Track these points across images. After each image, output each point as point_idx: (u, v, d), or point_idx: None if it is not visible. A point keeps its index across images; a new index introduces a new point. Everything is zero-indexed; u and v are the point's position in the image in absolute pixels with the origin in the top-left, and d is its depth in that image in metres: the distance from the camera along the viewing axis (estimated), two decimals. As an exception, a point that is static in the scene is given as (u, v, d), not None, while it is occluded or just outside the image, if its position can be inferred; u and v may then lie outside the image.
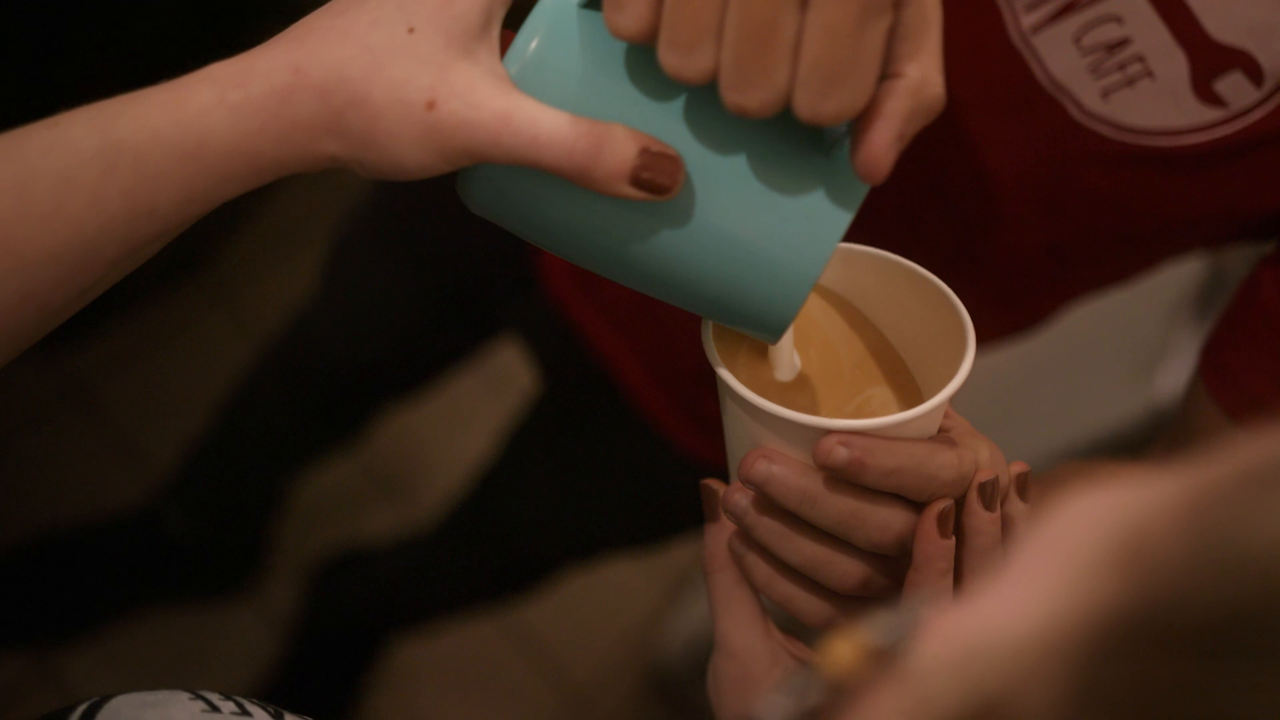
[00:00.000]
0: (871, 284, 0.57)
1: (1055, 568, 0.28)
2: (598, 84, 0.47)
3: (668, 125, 0.47)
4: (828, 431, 0.49)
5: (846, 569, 0.52)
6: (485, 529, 1.31)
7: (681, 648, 1.72)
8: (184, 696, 0.51)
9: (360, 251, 1.19)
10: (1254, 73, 0.64)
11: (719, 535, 0.55)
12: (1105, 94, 0.67)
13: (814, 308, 0.58)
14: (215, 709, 0.51)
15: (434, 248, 1.11)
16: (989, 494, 0.51)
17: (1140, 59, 0.66)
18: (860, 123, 0.46)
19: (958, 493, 0.51)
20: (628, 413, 1.04)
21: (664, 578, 1.83)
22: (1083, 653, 0.26)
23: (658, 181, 0.46)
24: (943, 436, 0.52)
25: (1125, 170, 0.70)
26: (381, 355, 1.25)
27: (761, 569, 0.53)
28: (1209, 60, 0.64)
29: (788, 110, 0.45)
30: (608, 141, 0.46)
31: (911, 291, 0.56)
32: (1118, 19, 0.65)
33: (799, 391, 0.56)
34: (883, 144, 0.46)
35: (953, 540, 0.51)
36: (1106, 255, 0.78)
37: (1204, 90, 0.65)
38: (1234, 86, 0.65)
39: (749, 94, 0.44)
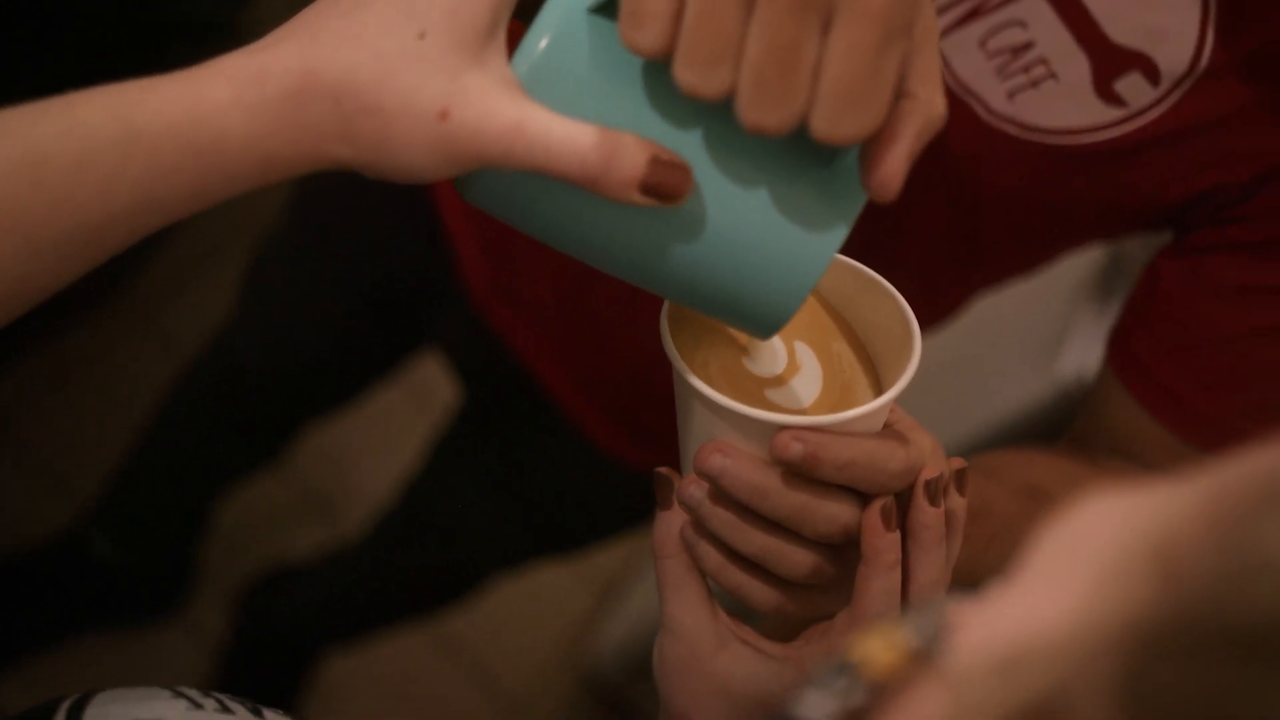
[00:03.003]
0: (823, 282, 0.59)
1: (1081, 572, 0.29)
2: (606, 91, 0.48)
3: (677, 135, 0.48)
4: (782, 427, 0.51)
5: (796, 559, 0.54)
6: (414, 541, 1.31)
7: (615, 651, 1.73)
8: (165, 694, 0.51)
9: (278, 268, 1.19)
10: (1151, 73, 0.67)
11: (670, 522, 0.56)
12: (1011, 95, 0.70)
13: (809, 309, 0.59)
14: (199, 706, 0.51)
15: (352, 262, 1.11)
16: (934, 490, 0.54)
17: (1044, 61, 0.69)
18: (875, 143, 0.47)
19: (904, 485, 0.54)
20: (553, 418, 1.05)
21: (594, 582, 1.84)
22: (1124, 657, 0.27)
23: (667, 190, 0.47)
24: (891, 431, 0.54)
25: (1032, 167, 0.73)
26: (303, 371, 1.24)
27: (713, 557, 0.55)
28: (1109, 62, 0.68)
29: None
30: (619, 151, 0.46)
31: (859, 291, 0.58)
32: (1022, 23, 0.68)
33: (769, 385, 0.57)
34: (898, 164, 0.46)
35: (898, 533, 0.53)
36: (1014, 247, 0.81)
37: (1105, 91, 0.68)
38: (1133, 87, 0.68)
39: (768, 114, 0.44)
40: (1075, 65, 0.68)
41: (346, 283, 1.13)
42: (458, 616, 1.51)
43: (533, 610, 1.77)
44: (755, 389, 0.56)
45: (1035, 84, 0.69)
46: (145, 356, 1.75)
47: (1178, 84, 0.67)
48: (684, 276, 0.50)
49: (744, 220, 0.49)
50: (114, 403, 1.65)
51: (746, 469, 0.52)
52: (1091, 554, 0.29)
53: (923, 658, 0.30)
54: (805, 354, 0.58)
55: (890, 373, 0.56)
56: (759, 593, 0.55)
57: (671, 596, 0.56)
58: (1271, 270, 0.71)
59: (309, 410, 1.34)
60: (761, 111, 0.44)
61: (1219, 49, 0.65)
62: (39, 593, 1.52)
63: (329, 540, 1.65)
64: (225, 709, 0.52)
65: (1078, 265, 1.29)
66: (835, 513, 0.53)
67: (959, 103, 0.71)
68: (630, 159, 0.46)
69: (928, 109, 0.47)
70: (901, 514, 0.54)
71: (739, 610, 0.58)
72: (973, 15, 0.69)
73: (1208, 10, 0.65)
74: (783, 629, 0.58)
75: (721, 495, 0.54)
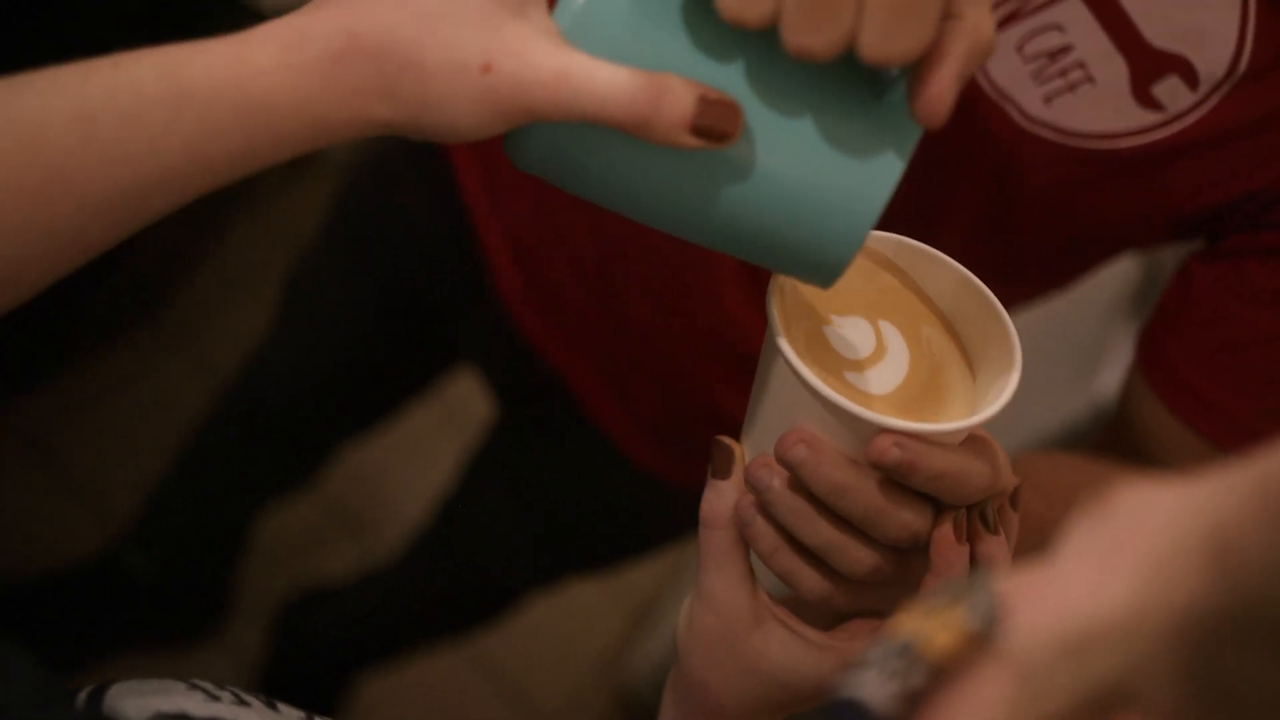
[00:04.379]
0: (923, 275, 0.58)
1: (1135, 559, 0.29)
2: (650, 34, 0.47)
3: (724, 76, 0.47)
4: (880, 427, 0.49)
5: (859, 556, 0.52)
6: (448, 560, 1.31)
7: (649, 670, 1.72)
8: (181, 686, 0.51)
9: (313, 289, 1.19)
10: (1189, 77, 0.67)
11: (724, 493, 0.54)
12: (1048, 100, 0.70)
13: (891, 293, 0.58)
14: (215, 698, 0.51)
15: (386, 280, 1.12)
16: (991, 519, 0.53)
17: (1081, 65, 0.69)
18: (922, 64, 0.46)
19: (980, 499, 0.52)
20: (586, 433, 1.05)
21: (628, 601, 1.84)
22: (1185, 644, 0.27)
23: (717, 129, 0.46)
24: (979, 444, 0.53)
25: (1067, 171, 0.72)
26: (337, 391, 1.25)
27: (769, 539, 0.53)
28: (1147, 65, 0.67)
29: (842, 54, 0.45)
30: (666, 92, 0.46)
31: (962, 295, 0.57)
32: (1059, 27, 0.68)
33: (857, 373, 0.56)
34: (945, 85, 0.45)
35: (968, 545, 0.52)
36: (1048, 253, 0.80)
37: (1143, 94, 0.68)
38: (1171, 90, 0.68)
39: (815, 36, 0.44)
40: (1113, 69, 0.68)
41: (379, 302, 1.14)
42: (491, 635, 1.51)
43: (567, 629, 1.77)
44: (836, 369, 0.54)
45: (1072, 88, 0.69)
46: (181, 377, 1.76)
47: (1216, 87, 0.67)
48: (740, 224, 0.49)
49: (797, 160, 0.48)
50: (150, 422, 1.66)
51: (829, 465, 0.50)
52: (1144, 542, 0.29)
53: (981, 640, 0.30)
54: (893, 337, 0.56)
55: (984, 373, 0.54)
56: (809, 580, 0.54)
57: (713, 568, 0.54)
58: None
59: (343, 430, 1.35)
60: (808, 32, 0.44)
61: (1258, 51, 0.65)
62: (74, 612, 1.53)
63: (364, 559, 1.66)
64: (241, 701, 0.52)
65: (1114, 282, 1.28)
66: (909, 520, 0.52)
67: (994, 107, 0.71)
68: (679, 100, 0.46)
69: (975, 31, 0.46)
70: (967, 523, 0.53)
71: (777, 591, 0.57)
72: (1010, 19, 0.69)
73: (1247, 11, 0.65)
74: (816, 615, 0.57)
75: (795, 484, 0.52)
